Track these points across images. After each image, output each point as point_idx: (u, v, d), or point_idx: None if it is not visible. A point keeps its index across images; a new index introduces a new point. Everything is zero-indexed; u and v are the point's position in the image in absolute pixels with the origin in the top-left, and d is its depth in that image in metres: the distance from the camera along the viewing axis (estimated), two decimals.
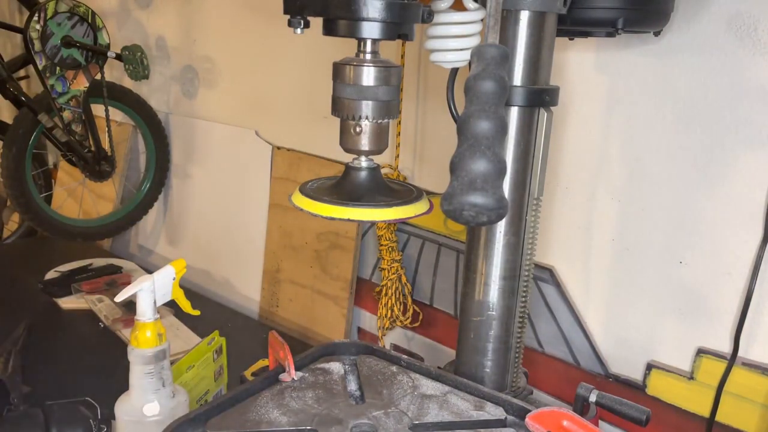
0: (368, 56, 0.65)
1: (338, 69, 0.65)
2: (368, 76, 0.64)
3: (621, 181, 1.02)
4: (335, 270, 1.43)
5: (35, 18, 1.42)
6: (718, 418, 0.97)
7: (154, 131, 1.76)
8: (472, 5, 0.73)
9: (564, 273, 1.11)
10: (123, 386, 0.77)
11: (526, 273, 0.84)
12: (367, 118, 0.65)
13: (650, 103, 0.96)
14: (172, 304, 0.82)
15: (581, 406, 0.80)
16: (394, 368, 0.78)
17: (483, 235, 0.82)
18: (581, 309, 1.10)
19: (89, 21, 1.51)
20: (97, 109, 1.58)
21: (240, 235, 1.67)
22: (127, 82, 1.83)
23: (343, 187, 0.69)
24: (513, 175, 0.79)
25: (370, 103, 0.64)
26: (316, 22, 0.64)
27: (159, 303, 0.78)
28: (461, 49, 0.74)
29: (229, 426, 0.66)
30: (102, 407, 0.91)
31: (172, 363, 0.80)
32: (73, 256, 1.70)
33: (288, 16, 0.63)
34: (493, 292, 0.83)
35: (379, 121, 0.65)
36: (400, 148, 1.27)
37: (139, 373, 0.76)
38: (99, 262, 1.68)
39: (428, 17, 0.66)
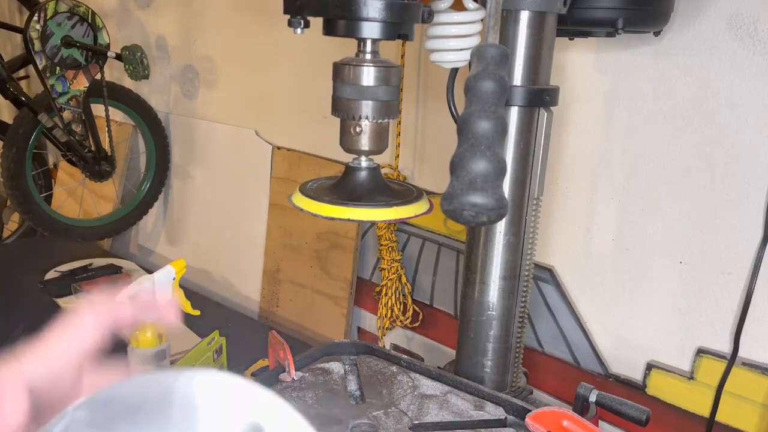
0: (368, 56, 0.64)
1: (338, 69, 0.65)
2: (368, 76, 0.64)
3: (621, 181, 1.02)
4: (335, 270, 1.43)
5: (35, 18, 1.42)
6: (718, 418, 0.96)
7: (154, 131, 1.76)
8: (472, 5, 0.73)
9: (564, 273, 1.10)
10: None
11: (526, 273, 0.84)
12: (367, 118, 0.65)
13: (650, 103, 0.96)
14: None
15: (581, 406, 0.79)
16: (394, 368, 0.78)
17: (483, 235, 0.82)
18: (581, 309, 1.10)
19: (89, 21, 1.51)
20: (97, 109, 1.58)
21: (240, 235, 1.67)
22: (128, 82, 1.83)
23: (343, 187, 0.69)
24: (513, 175, 0.79)
25: (370, 103, 0.64)
26: (316, 22, 0.64)
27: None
28: (461, 49, 0.74)
29: None
30: None
31: (172, 363, 0.80)
32: (73, 256, 1.70)
33: (288, 16, 0.63)
34: (493, 292, 0.83)
35: (379, 121, 0.65)
36: (400, 148, 1.27)
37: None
38: (99, 262, 1.68)
39: (428, 17, 0.65)
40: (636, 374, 1.05)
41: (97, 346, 0.35)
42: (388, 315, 1.32)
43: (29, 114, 1.50)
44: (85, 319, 0.35)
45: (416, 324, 1.33)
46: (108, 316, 0.36)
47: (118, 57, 1.57)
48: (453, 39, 0.74)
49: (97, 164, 1.61)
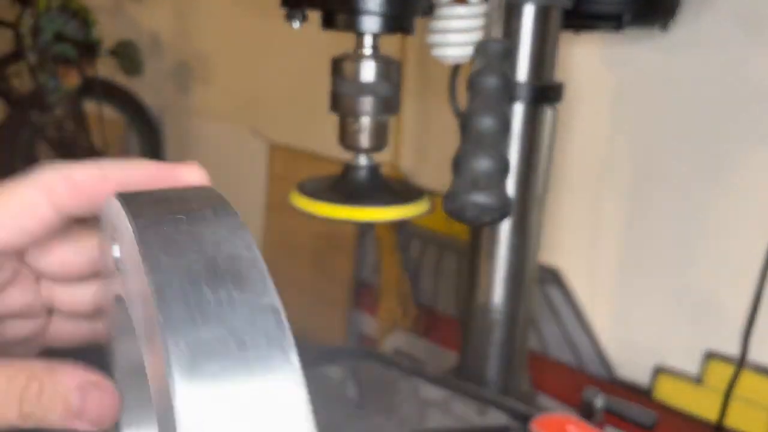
0: (368, 51, 0.63)
1: (337, 65, 0.64)
2: (368, 71, 0.63)
3: (627, 181, 1.00)
4: (334, 272, 1.41)
5: (27, 13, 1.40)
6: (727, 422, 0.95)
7: (148, 128, 1.75)
8: None
9: (569, 274, 1.09)
10: None
11: (531, 274, 0.82)
12: (366, 114, 0.63)
13: (657, 100, 0.95)
14: None
15: (587, 411, 0.78)
16: (394, 373, 0.77)
17: (486, 236, 0.80)
18: (587, 311, 1.08)
19: (82, 16, 1.49)
20: (89, 106, 1.57)
21: None
22: (120, 79, 1.81)
23: (342, 186, 0.67)
24: (517, 174, 0.77)
25: (369, 99, 0.63)
26: (315, 16, 0.63)
27: None
28: (464, 44, 0.73)
29: None
30: None
31: None
32: None
33: (285, 10, 0.62)
34: (497, 294, 0.81)
35: (379, 118, 0.64)
36: (401, 145, 1.25)
37: None
38: None
39: (429, 11, 0.64)
40: (643, 378, 1.04)
41: (48, 230, 0.28)
42: (389, 318, 1.31)
43: (20, 111, 1.48)
44: (36, 191, 0.28)
45: (417, 327, 1.32)
46: (74, 191, 0.27)
47: (111, 53, 1.56)
48: (455, 33, 0.72)
49: None
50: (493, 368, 0.84)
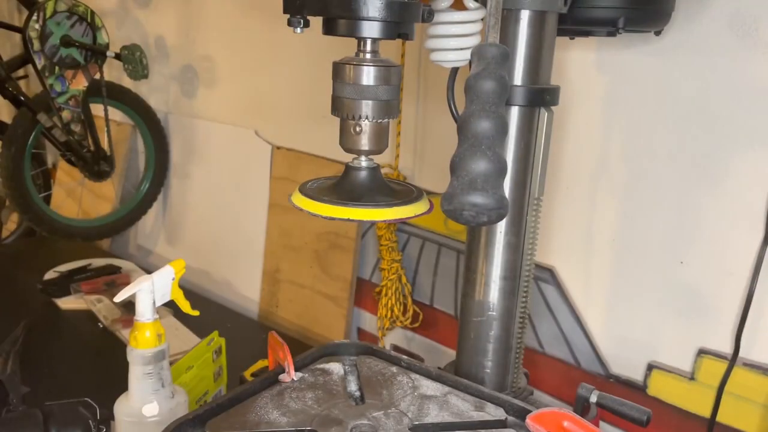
0: (368, 56, 0.64)
1: (338, 68, 0.65)
2: (368, 75, 0.63)
3: (622, 181, 1.01)
4: (335, 270, 1.42)
5: (34, 17, 1.42)
6: (719, 418, 0.96)
7: (154, 131, 1.76)
8: (472, 4, 0.72)
9: (564, 273, 1.10)
10: (122, 387, 0.77)
11: (527, 273, 0.84)
12: (366, 117, 0.64)
13: (651, 103, 0.96)
14: (171, 305, 0.82)
15: (582, 407, 0.79)
16: (394, 369, 0.78)
17: (483, 235, 0.82)
18: (582, 309, 1.09)
19: (88, 20, 1.51)
20: (97, 109, 1.58)
21: (239, 235, 1.67)
22: (127, 82, 1.83)
23: (343, 187, 0.68)
24: (513, 175, 0.78)
25: (369, 102, 0.64)
26: (316, 21, 0.64)
27: (158, 303, 0.78)
28: (461, 49, 0.74)
29: (228, 427, 0.66)
30: (101, 408, 0.91)
31: (171, 363, 0.80)
32: (72, 256, 1.70)
33: (288, 16, 0.63)
34: (494, 293, 0.83)
35: (379, 121, 0.65)
36: (400, 147, 1.26)
37: (138, 374, 0.76)
38: (98, 262, 1.68)
39: (428, 16, 0.65)
40: (637, 375, 1.05)
41: None
42: (388, 315, 1.32)
43: (28, 114, 1.50)
44: None
45: (416, 324, 1.33)
46: None
47: (117, 56, 1.57)
48: (453, 38, 0.74)
49: (96, 164, 1.60)
50: (490, 364, 0.85)
